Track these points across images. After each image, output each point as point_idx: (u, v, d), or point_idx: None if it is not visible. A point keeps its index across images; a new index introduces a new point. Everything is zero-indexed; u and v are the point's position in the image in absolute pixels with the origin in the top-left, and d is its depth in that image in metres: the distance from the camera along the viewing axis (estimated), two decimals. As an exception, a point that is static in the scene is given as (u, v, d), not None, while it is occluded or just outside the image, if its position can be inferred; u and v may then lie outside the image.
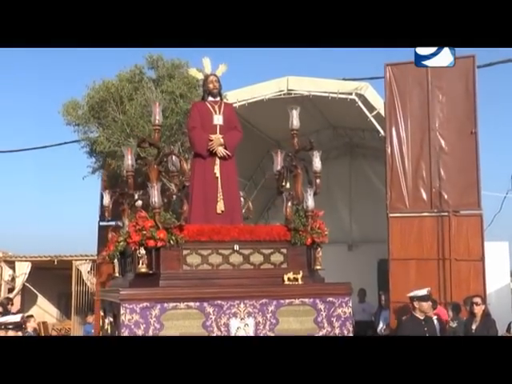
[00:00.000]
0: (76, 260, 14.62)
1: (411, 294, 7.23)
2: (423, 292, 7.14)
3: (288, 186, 6.00)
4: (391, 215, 10.35)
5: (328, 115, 13.83)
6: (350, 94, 11.42)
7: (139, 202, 6.14)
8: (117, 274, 6.72)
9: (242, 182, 14.35)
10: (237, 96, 11.75)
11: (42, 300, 16.88)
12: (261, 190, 15.22)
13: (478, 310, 7.83)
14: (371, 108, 11.34)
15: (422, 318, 6.92)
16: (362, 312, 11.40)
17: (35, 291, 16.35)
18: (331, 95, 11.61)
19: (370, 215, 14.19)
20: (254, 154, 14.00)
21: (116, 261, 6.68)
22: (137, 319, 5.10)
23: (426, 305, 7.05)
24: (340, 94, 11.49)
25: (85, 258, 14.45)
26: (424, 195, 10.31)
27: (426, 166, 10.32)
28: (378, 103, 11.27)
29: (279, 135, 13.40)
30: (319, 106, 12.93)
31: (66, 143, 13.26)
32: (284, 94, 11.87)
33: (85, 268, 14.38)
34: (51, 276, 16.12)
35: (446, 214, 10.09)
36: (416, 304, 7.01)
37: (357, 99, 11.35)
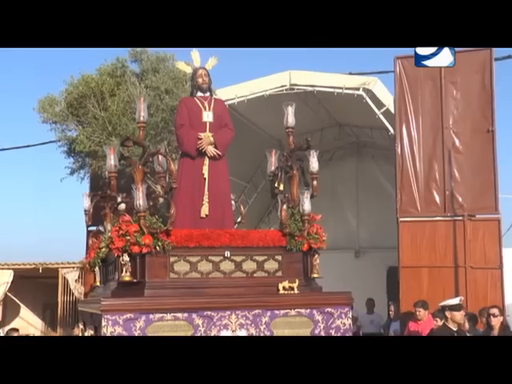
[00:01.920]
0: (63, 268, 14.60)
1: (443, 302, 7.23)
2: (455, 301, 7.12)
3: (282, 187, 6.00)
4: (401, 219, 10.35)
5: (333, 112, 13.86)
6: (357, 89, 11.45)
7: (122, 206, 6.16)
8: (98, 283, 6.73)
9: (241, 185, 14.41)
10: (235, 92, 11.79)
11: (25, 311, 16.87)
12: (261, 192, 15.25)
13: (496, 322, 7.76)
14: (380, 104, 11.36)
15: (454, 329, 6.88)
16: (370, 324, 11.39)
17: (18, 302, 16.35)
18: (337, 91, 11.65)
19: (378, 219, 14.22)
20: (253, 155, 13.96)
21: (97, 269, 6.70)
22: (120, 332, 5.08)
23: (459, 315, 7.02)
24: (346, 89, 11.52)
25: (72, 266, 14.42)
26: (437, 198, 10.31)
27: (439, 167, 10.32)
28: (388, 99, 11.28)
29: (281, 134, 13.34)
30: (324, 102, 12.97)
31: (36, 144, 13.35)
32: (286, 90, 11.92)
33: (72, 276, 14.36)
34: (35, 285, 16.12)
35: (460, 218, 10.09)
36: (448, 314, 6.99)
37: (364, 95, 11.37)
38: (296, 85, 11.93)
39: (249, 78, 12.62)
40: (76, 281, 14.30)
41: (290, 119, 6.11)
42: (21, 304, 16.52)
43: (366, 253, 15.17)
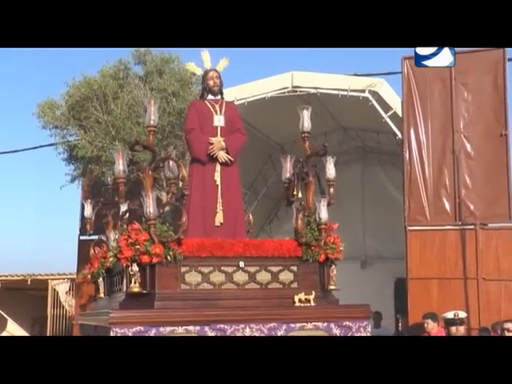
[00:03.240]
0: (53, 279, 14.61)
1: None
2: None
3: (300, 195, 6.05)
4: (410, 228, 10.40)
5: (338, 115, 13.91)
6: (363, 91, 11.48)
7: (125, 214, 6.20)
8: (101, 295, 6.74)
9: (241, 191, 14.42)
10: (235, 94, 11.80)
11: (12, 325, 16.74)
12: (262, 200, 15.29)
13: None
14: (387, 107, 11.40)
15: None
16: (377, 338, 11.41)
17: (5, 315, 16.26)
18: (341, 93, 11.67)
19: (385, 228, 14.31)
20: (254, 160, 14.05)
21: (101, 280, 6.71)
22: (129, 345, 5.12)
23: (454, 329, 7.05)
24: (351, 91, 11.56)
25: (63, 277, 14.45)
26: (447, 206, 10.36)
27: (449, 173, 10.38)
28: (395, 102, 11.32)
29: (283, 138, 13.51)
30: (328, 104, 13.01)
31: (37, 147, 13.32)
32: (288, 92, 11.95)
33: (63, 288, 14.38)
34: (24, 297, 16.11)
35: (472, 227, 10.14)
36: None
37: (370, 97, 11.40)
38: (298, 87, 11.96)
39: (249, 79, 12.66)
40: (67, 293, 14.31)
41: (306, 123, 6.14)
42: (8, 318, 16.41)
43: (372, 263, 15.27)
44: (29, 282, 14.79)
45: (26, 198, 36.30)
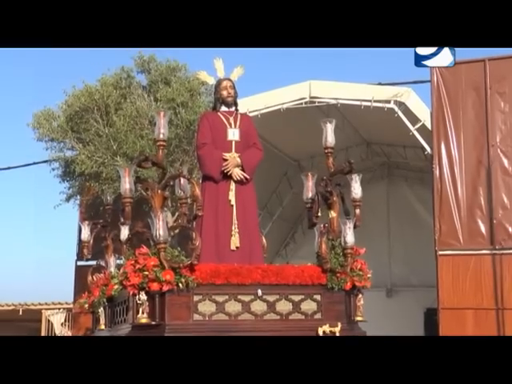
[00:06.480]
0: (47, 309, 14.61)
1: None
2: None
3: (334, 214, 6.04)
4: (441, 253, 10.39)
5: (360, 128, 13.95)
6: (388, 101, 11.50)
7: (123, 236, 6.22)
8: (102, 326, 6.73)
9: (257, 212, 14.44)
10: (247, 105, 11.83)
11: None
12: (277, 221, 15.27)
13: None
14: (414, 119, 11.42)
15: None
16: (405, 375, 11.35)
17: (-8, 350, 16.33)
18: (364, 103, 11.71)
19: (413, 253, 14.30)
20: (268, 177, 14.04)
21: (101, 310, 6.71)
22: (136, 381, 5.12)
23: None
24: (375, 101, 11.58)
25: (58, 307, 14.44)
26: (482, 228, 10.34)
27: (485, 192, 10.37)
28: (423, 113, 11.34)
29: (300, 153, 13.52)
30: (349, 116, 13.04)
31: (31, 164, 13.36)
32: (306, 103, 11.99)
33: (58, 319, 14.36)
34: (15, 329, 16.08)
35: (510, 251, 10.10)
36: None
37: (396, 108, 11.42)
38: (317, 97, 11.99)
39: (263, 89, 12.72)
40: (62, 324, 14.30)
41: (330, 138, 6.17)
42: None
43: (399, 292, 15.23)
44: (20, 313, 14.81)
45: (18, 220, 36.39)
